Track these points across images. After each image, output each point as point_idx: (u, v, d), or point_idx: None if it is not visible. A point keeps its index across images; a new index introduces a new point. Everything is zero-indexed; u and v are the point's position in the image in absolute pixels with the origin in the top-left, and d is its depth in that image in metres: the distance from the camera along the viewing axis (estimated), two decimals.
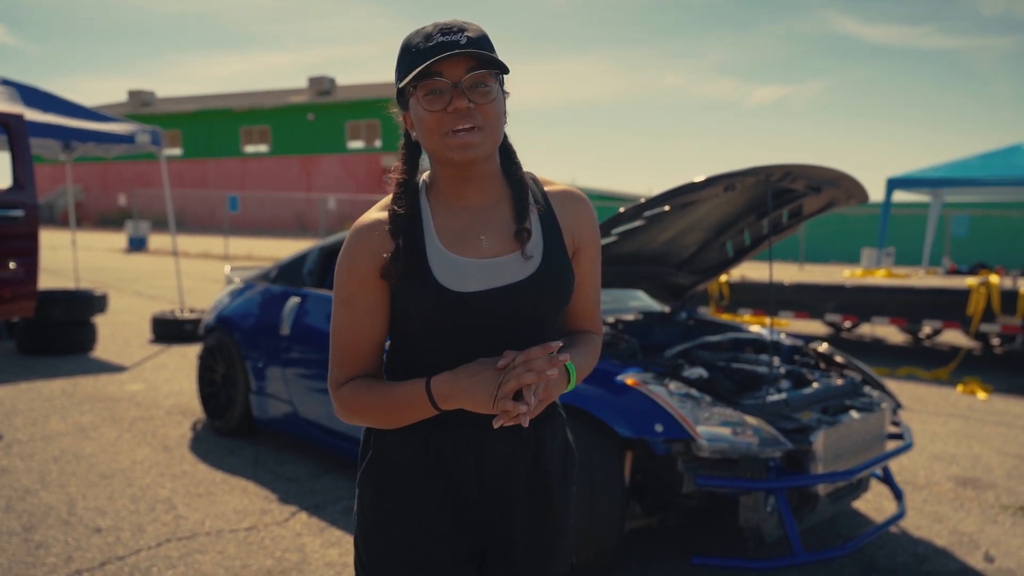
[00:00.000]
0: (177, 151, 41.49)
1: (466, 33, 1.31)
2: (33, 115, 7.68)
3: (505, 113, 1.38)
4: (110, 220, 39.59)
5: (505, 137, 1.44)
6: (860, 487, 3.51)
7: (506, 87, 1.38)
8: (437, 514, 1.40)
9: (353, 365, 1.40)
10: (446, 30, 1.31)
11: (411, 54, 1.32)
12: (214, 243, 25.71)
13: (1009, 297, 7.49)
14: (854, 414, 3.33)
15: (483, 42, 1.32)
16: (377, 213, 1.40)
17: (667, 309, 4.51)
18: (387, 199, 1.42)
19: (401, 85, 1.33)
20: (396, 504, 1.41)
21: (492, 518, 1.44)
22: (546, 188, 1.47)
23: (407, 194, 1.39)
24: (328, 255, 4.59)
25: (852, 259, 21.75)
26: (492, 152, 1.37)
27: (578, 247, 1.46)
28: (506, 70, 1.33)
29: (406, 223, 1.36)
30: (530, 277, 1.36)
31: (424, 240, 1.36)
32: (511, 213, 1.40)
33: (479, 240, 1.37)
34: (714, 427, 2.92)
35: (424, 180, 1.44)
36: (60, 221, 37.24)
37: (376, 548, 1.43)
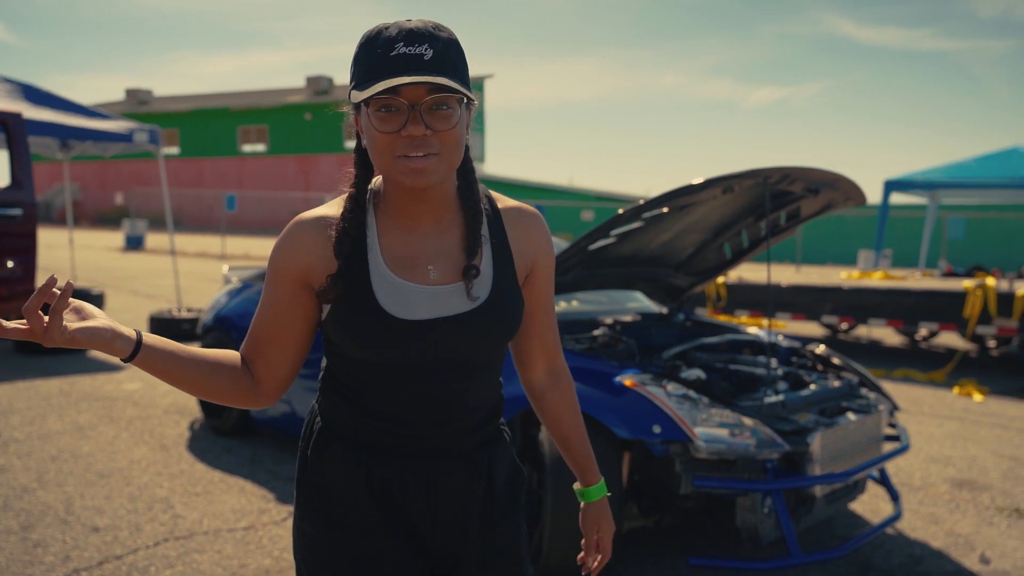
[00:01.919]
0: (174, 150, 41.44)
1: (432, 46, 1.16)
2: (31, 113, 7.67)
3: (468, 133, 1.26)
4: (107, 219, 39.54)
5: (467, 159, 1.32)
6: (857, 488, 3.52)
7: (477, 95, 1.25)
8: (385, 542, 1.32)
9: (258, 358, 1.31)
10: (410, 38, 1.16)
11: (368, 60, 1.17)
12: (211, 242, 25.69)
13: (1005, 299, 7.51)
14: (851, 416, 3.34)
15: (451, 54, 1.18)
16: (324, 211, 1.30)
17: (665, 310, 4.52)
18: (337, 201, 1.32)
19: (353, 100, 1.21)
20: (343, 534, 1.32)
21: (443, 545, 1.37)
22: (499, 205, 1.38)
23: (357, 211, 1.28)
24: None
25: (849, 261, 21.78)
26: (447, 176, 1.25)
27: (532, 269, 1.39)
28: (471, 97, 1.22)
29: (351, 242, 1.26)
30: (477, 309, 1.28)
31: (368, 261, 1.26)
32: (462, 242, 1.30)
33: (427, 268, 1.28)
34: (712, 428, 2.93)
35: (372, 188, 1.32)
36: (57, 219, 37.18)
37: None
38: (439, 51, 1.17)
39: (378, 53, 1.17)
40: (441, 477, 1.32)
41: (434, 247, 1.30)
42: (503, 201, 1.39)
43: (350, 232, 1.26)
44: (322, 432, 1.36)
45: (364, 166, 1.30)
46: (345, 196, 1.31)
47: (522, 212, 1.39)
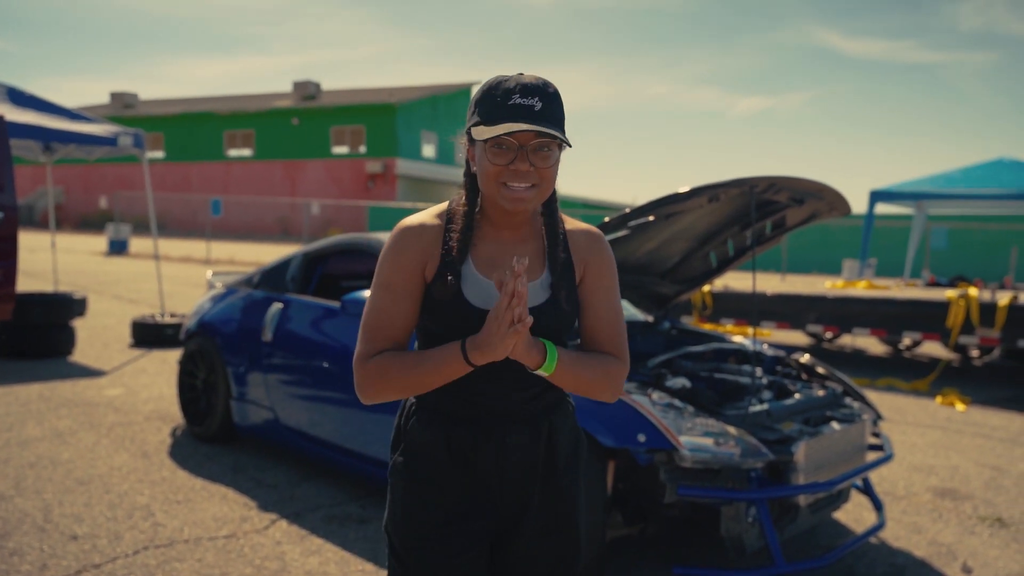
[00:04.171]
0: (159, 154, 41.19)
1: (541, 99, 1.47)
2: (14, 115, 7.60)
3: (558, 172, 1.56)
4: (91, 223, 39.22)
5: (553, 191, 1.61)
6: (840, 498, 3.53)
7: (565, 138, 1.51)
8: (455, 496, 1.61)
9: (385, 342, 1.57)
10: (524, 91, 1.47)
11: (489, 105, 1.48)
12: (196, 247, 25.53)
13: (987, 309, 7.57)
14: (835, 425, 3.35)
15: (554, 107, 1.49)
16: (428, 219, 1.60)
17: (650, 318, 4.52)
18: (437, 208, 1.62)
19: (476, 137, 1.50)
20: (423, 488, 1.61)
21: (510, 500, 1.63)
22: (567, 226, 1.66)
23: (468, 226, 1.57)
24: (311, 261, 4.57)
25: (834, 270, 21.91)
26: (539, 204, 1.58)
27: (585, 271, 1.65)
28: (569, 144, 1.51)
29: (456, 248, 1.56)
30: (542, 305, 1.58)
31: (463, 261, 1.58)
32: (536, 253, 1.61)
33: (505, 271, 1.52)
34: (696, 437, 2.93)
35: (452, 207, 1.63)
36: (40, 223, 36.83)
37: (406, 530, 1.62)
38: (546, 104, 1.49)
39: (497, 101, 1.48)
40: (509, 439, 1.60)
41: (512, 254, 1.59)
42: (571, 223, 1.68)
43: (459, 239, 1.57)
44: (412, 404, 1.67)
45: (473, 192, 1.59)
46: (444, 209, 1.62)
47: (587, 232, 1.67)
